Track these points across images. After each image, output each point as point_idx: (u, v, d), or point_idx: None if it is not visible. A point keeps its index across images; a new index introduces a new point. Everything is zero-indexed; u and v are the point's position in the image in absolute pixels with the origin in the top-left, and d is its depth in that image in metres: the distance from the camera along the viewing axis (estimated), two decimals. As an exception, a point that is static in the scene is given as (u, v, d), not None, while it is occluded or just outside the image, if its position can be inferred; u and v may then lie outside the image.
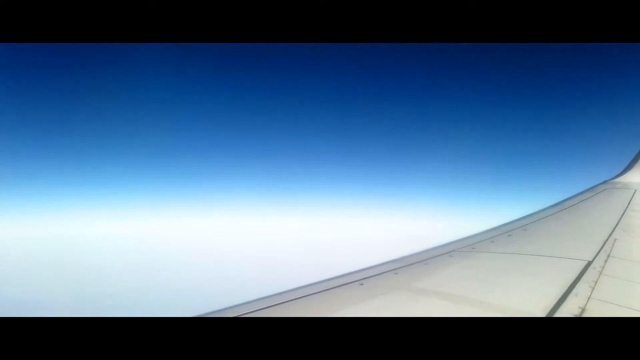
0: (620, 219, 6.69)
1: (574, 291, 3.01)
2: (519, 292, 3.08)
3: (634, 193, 9.46)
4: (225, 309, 2.70)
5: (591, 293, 3.00)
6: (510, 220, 6.84)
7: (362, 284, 3.25)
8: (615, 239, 5.22)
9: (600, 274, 3.57)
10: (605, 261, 4.06)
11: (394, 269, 3.73)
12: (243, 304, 2.82)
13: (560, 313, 2.57)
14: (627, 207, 7.89)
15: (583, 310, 2.64)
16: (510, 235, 5.60)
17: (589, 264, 3.89)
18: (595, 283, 3.27)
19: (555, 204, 8.46)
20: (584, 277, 3.42)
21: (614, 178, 11.61)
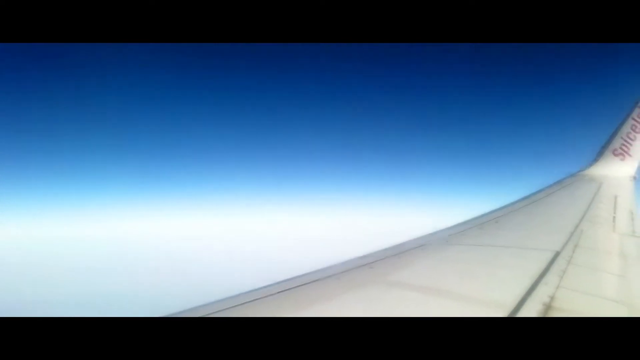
0: (587, 210, 6.87)
1: (544, 280, 3.09)
2: (490, 283, 3.14)
3: (600, 185, 9.74)
4: (196, 307, 2.66)
5: (560, 282, 3.08)
6: (482, 213, 6.96)
7: (338, 279, 3.26)
8: (582, 230, 5.36)
9: (569, 263, 3.67)
10: (573, 251, 4.17)
11: (369, 263, 3.75)
12: (217, 301, 2.78)
13: (531, 302, 2.63)
14: (593, 198, 8.11)
15: (552, 298, 2.71)
16: (481, 228, 5.70)
17: (558, 254, 3.99)
18: (564, 272, 3.35)
19: (526, 197, 8.64)
20: (552, 266, 3.51)
21: (581, 171, 11.93)
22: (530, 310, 2.49)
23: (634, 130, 11.58)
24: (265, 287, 3.10)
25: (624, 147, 11.65)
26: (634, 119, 11.60)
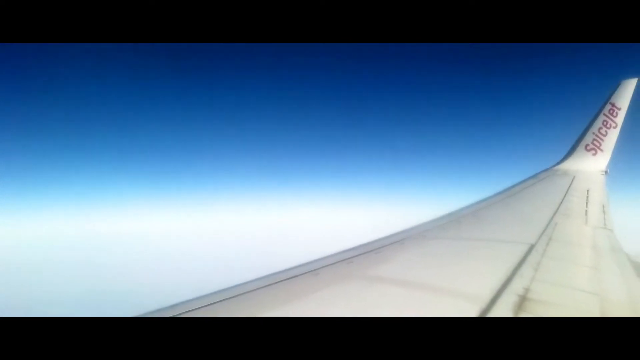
0: (560, 204, 7.02)
1: (519, 273, 3.15)
2: (468, 275, 3.19)
3: (573, 179, 9.96)
4: (170, 306, 2.63)
5: (534, 274, 3.15)
6: (459, 207, 7.06)
7: (317, 274, 3.27)
8: (556, 223, 5.48)
9: (543, 256, 3.75)
10: (547, 244, 4.27)
11: (348, 258, 3.77)
12: (194, 299, 2.77)
13: (507, 294, 2.68)
14: (566, 192, 8.29)
15: (527, 290, 2.77)
16: (459, 222, 5.77)
17: (532, 247, 4.07)
18: (538, 265, 3.43)
19: (502, 191, 8.79)
20: (527, 259, 3.58)
21: (554, 165, 12.18)
22: (506, 302, 2.54)
23: (604, 126, 11.86)
24: (243, 284, 3.09)
25: (595, 142, 11.92)
26: (605, 115, 11.88)
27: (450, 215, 6.36)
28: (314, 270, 3.37)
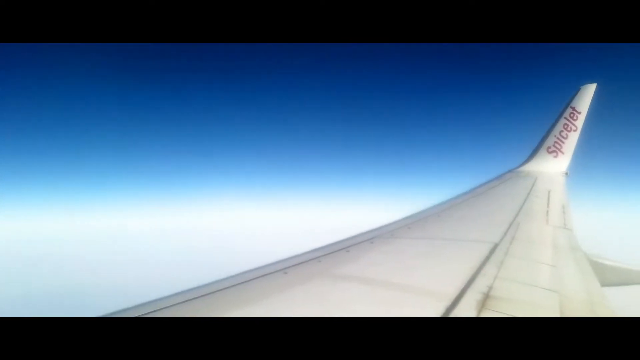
0: (523, 205, 7.20)
1: (483, 271, 3.22)
2: (433, 274, 3.23)
3: (535, 180, 10.24)
4: (134, 307, 2.58)
5: (497, 272, 3.23)
6: (426, 207, 7.15)
7: (286, 273, 3.26)
8: (519, 223, 5.62)
9: (506, 254, 3.84)
10: (510, 243, 4.37)
11: (317, 257, 3.77)
12: (158, 299, 2.72)
13: (471, 291, 2.74)
14: (529, 193, 8.50)
15: (490, 288, 2.83)
16: (425, 222, 5.85)
17: (496, 246, 4.17)
18: (502, 263, 3.51)
19: (466, 192, 8.97)
20: (491, 258, 3.66)
21: (518, 167, 12.50)
22: (471, 300, 2.58)
23: (565, 129, 12.26)
24: (211, 283, 3.06)
25: (557, 145, 12.30)
26: (565, 118, 12.28)
27: (417, 215, 6.44)
28: (284, 269, 3.37)
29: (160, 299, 2.68)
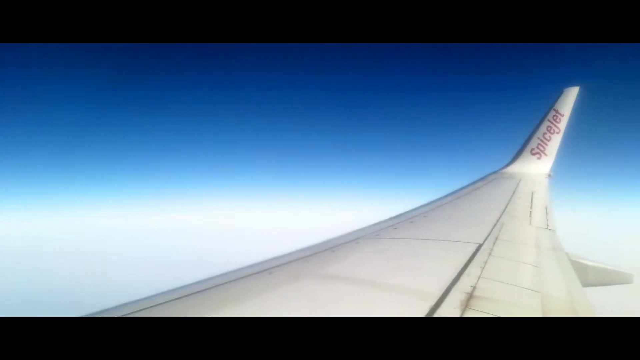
0: (507, 205, 7.28)
1: (467, 271, 3.25)
2: (418, 274, 3.25)
3: (519, 182, 10.37)
4: (117, 307, 2.56)
5: (481, 272, 3.26)
6: (412, 208, 7.19)
7: (272, 273, 3.26)
8: (503, 223, 5.68)
9: (489, 255, 3.88)
10: (494, 243, 4.42)
11: (303, 257, 3.78)
12: (144, 299, 2.71)
13: (455, 291, 2.77)
14: (512, 194, 8.60)
15: (474, 287, 2.86)
16: (412, 222, 5.88)
17: (480, 246, 4.21)
18: (485, 263, 3.55)
19: (452, 193, 9.04)
20: (475, 258, 3.70)
21: (502, 168, 12.65)
22: (455, 299, 2.61)
23: (549, 131, 12.43)
24: (197, 282, 3.06)
25: (540, 147, 12.47)
26: (549, 120, 12.46)
27: (403, 215, 6.48)
28: (269, 268, 3.37)
29: (143, 299, 2.66)
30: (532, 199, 8.41)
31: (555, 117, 12.38)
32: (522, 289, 3.08)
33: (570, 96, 12.45)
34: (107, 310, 2.49)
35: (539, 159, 12.41)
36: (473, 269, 3.34)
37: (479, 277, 3.13)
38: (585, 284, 4.13)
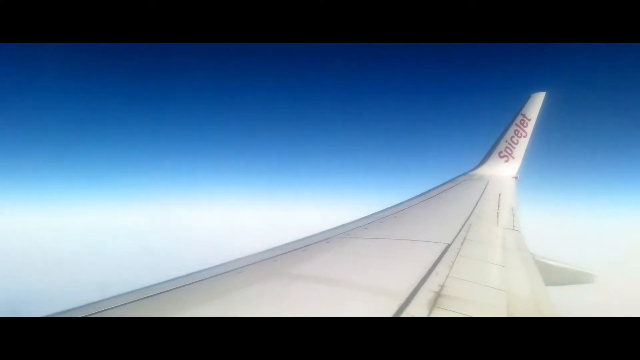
0: (475, 207, 7.41)
1: (435, 270, 3.29)
2: (388, 273, 3.27)
3: (487, 184, 10.59)
4: (82, 306, 2.48)
5: (449, 272, 3.30)
6: (382, 208, 7.23)
7: (241, 272, 3.22)
8: (471, 224, 5.78)
9: (457, 255, 3.94)
10: (462, 244, 4.48)
11: (273, 256, 3.75)
12: (109, 298, 2.65)
13: (423, 290, 2.79)
14: (481, 196, 8.77)
15: (442, 287, 2.89)
16: (382, 222, 5.92)
17: (448, 246, 4.27)
18: (453, 263, 3.59)
19: (421, 194, 9.15)
20: (443, 258, 3.74)
21: (471, 170, 12.89)
22: (423, 298, 2.63)
23: (516, 135, 12.73)
24: (164, 282, 3.01)
25: (508, 150, 12.77)
26: (516, 124, 12.76)
27: (373, 215, 6.51)
28: (238, 268, 3.33)
29: (102, 300, 2.58)
30: (499, 201, 8.58)
31: (522, 121, 12.68)
32: (488, 288, 3.13)
33: (537, 101, 12.77)
34: (70, 310, 2.42)
35: (506, 161, 12.70)
36: (441, 268, 3.38)
37: (447, 277, 3.16)
38: (549, 283, 4.23)
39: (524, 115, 12.74)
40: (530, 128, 12.67)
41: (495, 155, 12.92)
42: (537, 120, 12.68)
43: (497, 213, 7.28)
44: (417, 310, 2.43)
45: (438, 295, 2.71)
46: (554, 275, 4.93)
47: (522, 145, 12.72)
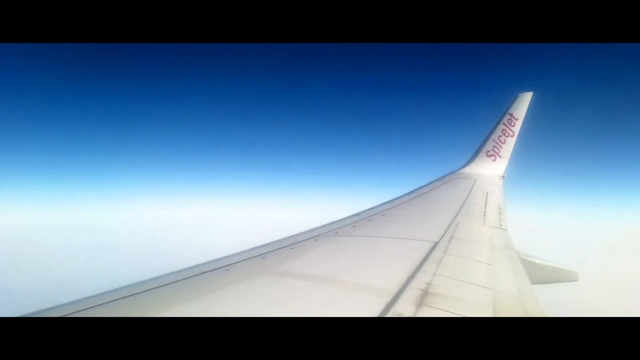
0: (462, 205, 7.48)
1: (423, 268, 3.31)
2: (376, 271, 3.29)
3: (475, 182, 10.69)
4: (68, 303, 2.46)
5: (437, 270, 3.33)
6: (370, 206, 7.26)
7: (229, 270, 3.21)
8: (458, 223, 5.83)
9: (445, 253, 3.97)
10: (449, 242, 4.52)
11: (262, 254, 3.74)
12: (94, 296, 2.62)
13: (411, 288, 2.81)
14: (468, 194, 8.85)
15: (429, 284, 2.91)
16: (370, 220, 5.95)
17: (436, 244, 4.30)
18: (440, 261, 3.62)
19: (410, 192, 9.21)
20: (431, 256, 3.77)
21: (459, 169, 13.01)
22: (410, 296, 2.65)
23: (504, 134, 12.86)
24: (150, 280, 2.98)
25: (495, 149, 12.90)
26: (504, 124, 12.88)
27: (362, 214, 6.53)
28: (226, 265, 3.33)
29: (86, 299, 2.55)
30: (486, 199, 8.66)
31: (509, 121, 12.81)
32: (474, 285, 3.16)
33: (525, 101, 12.90)
34: (50, 309, 2.38)
35: (494, 160, 12.83)
36: (429, 266, 3.40)
37: (435, 274, 3.19)
38: (534, 281, 4.28)
39: (511, 115, 12.86)
40: (517, 127, 12.79)
41: (482, 154, 13.05)
42: (524, 120, 12.81)
43: (484, 212, 7.34)
44: (405, 307, 2.44)
45: (425, 293, 2.73)
46: (539, 274, 4.98)
47: (509, 145, 12.85)
